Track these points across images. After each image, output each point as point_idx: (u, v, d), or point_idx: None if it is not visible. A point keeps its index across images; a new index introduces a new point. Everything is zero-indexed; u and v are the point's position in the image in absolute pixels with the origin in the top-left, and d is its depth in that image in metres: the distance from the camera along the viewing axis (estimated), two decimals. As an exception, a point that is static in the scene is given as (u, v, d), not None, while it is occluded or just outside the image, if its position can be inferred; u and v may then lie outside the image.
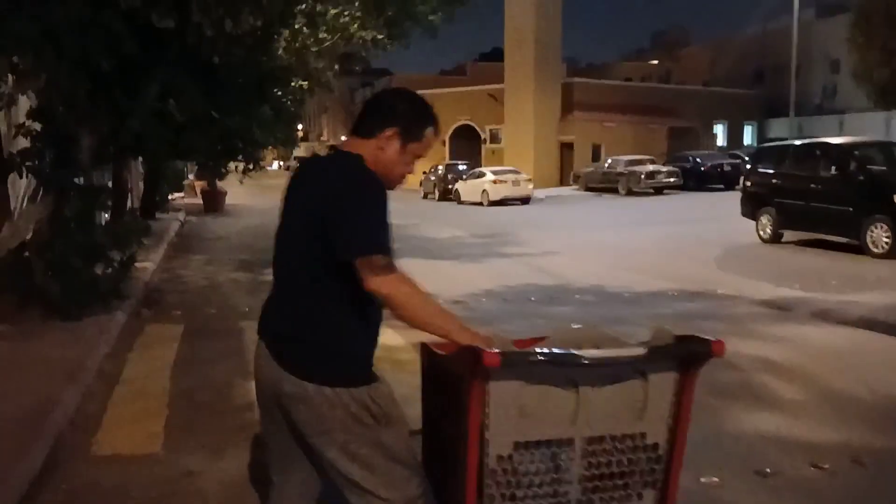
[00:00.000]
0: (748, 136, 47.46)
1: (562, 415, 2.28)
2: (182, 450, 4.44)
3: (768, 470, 4.04)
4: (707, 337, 2.33)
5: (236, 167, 16.82)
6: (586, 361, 2.21)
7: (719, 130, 45.86)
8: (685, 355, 2.34)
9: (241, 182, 18.18)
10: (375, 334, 2.38)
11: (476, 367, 2.11)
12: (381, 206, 2.22)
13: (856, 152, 13.25)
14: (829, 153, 13.49)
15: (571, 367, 2.22)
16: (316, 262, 2.23)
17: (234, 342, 6.97)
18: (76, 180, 7.86)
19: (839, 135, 18.36)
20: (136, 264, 9.10)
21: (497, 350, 2.11)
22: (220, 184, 25.79)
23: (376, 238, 2.17)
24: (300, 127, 27.84)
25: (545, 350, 2.24)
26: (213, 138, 10.18)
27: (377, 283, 2.14)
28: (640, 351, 2.29)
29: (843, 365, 6.09)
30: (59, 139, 7.37)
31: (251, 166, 15.47)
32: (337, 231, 2.17)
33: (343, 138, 2.54)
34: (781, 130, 42.64)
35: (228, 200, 27.07)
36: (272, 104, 11.12)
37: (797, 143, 15.27)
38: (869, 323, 7.42)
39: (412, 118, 2.38)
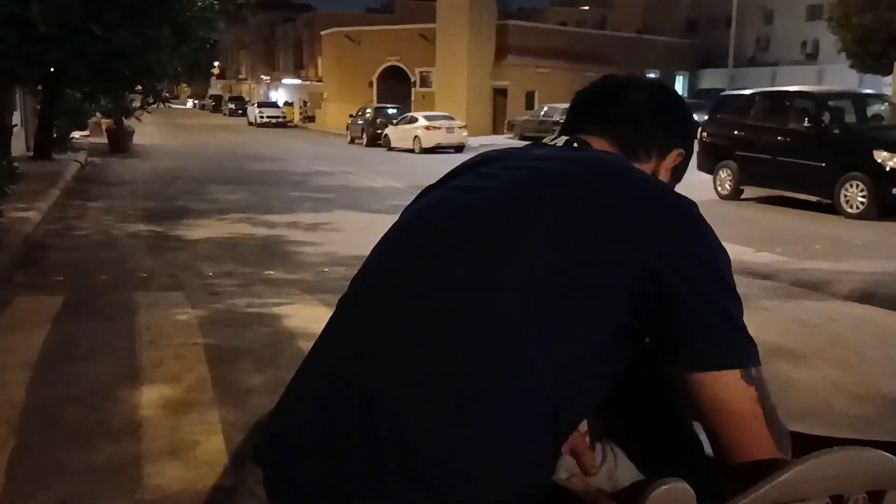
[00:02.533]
0: (680, 86, 47.25)
1: None
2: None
3: None
4: None
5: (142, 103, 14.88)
6: None
7: (652, 80, 45.39)
8: None
9: (139, 119, 16.20)
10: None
11: None
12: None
13: (830, 104, 12.28)
14: (802, 104, 12.52)
15: None
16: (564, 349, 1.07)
17: (122, 325, 5.45)
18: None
19: (772, 87, 17.64)
20: (17, 214, 7.44)
21: None
22: (127, 122, 23.63)
23: (749, 335, 1.13)
24: (216, 64, 25.83)
25: None
26: (93, 59, 8.26)
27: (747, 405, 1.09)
28: None
29: (854, 349, 5.10)
30: None
31: (152, 100, 13.47)
32: (697, 322, 1.09)
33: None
34: (714, 81, 42.71)
35: (138, 140, 24.91)
36: (171, 21, 9.16)
37: (764, 91, 14.24)
38: (867, 297, 6.56)
39: (693, 140, 1.46)
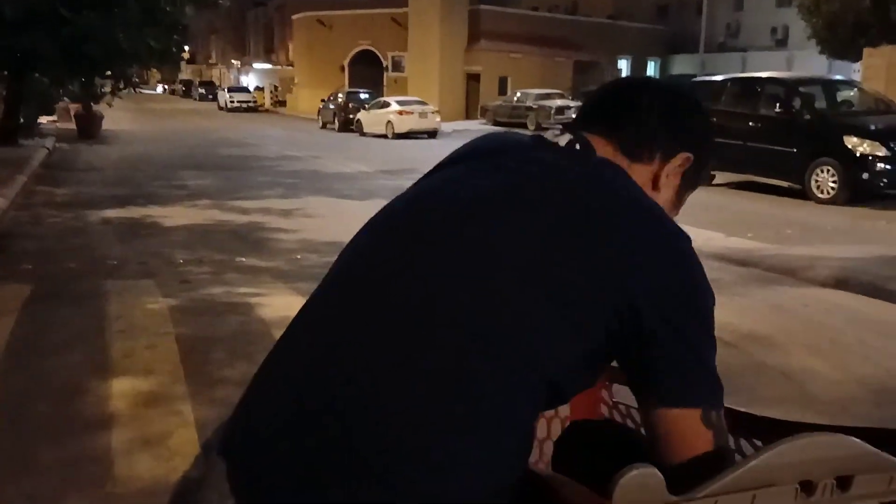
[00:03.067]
0: (651, 71, 47.39)
1: None
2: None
3: None
4: None
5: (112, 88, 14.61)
6: None
7: (623, 66, 45.54)
8: None
9: (109, 104, 15.93)
10: None
11: None
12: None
13: (801, 89, 12.36)
14: (773, 90, 12.60)
15: None
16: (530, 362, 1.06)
17: (92, 314, 5.36)
18: None
19: (742, 72, 17.75)
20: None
21: None
22: (97, 108, 23.25)
23: (717, 378, 1.13)
24: (187, 48, 25.42)
25: None
26: (62, 42, 8.08)
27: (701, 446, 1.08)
28: None
29: (828, 334, 5.12)
30: None
31: (122, 85, 13.24)
32: (668, 359, 1.10)
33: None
34: (685, 67, 42.87)
35: (107, 126, 24.54)
36: (141, 2, 8.97)
37: (736, 77, 14.30)
38: (841, 283, 6.59)
39: (708, 141, 1.38)
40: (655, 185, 1.29)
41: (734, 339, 5.00)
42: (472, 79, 38.58)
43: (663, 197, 1.30)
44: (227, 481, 1.11)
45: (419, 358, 1.03)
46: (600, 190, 1.17)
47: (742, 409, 1.38)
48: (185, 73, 74.98)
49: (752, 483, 0.96)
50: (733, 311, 5.67)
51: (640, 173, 1.27)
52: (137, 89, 19.28)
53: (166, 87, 77.25)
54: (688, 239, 1.16)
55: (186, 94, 65.41)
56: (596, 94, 1.38)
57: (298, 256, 7.41)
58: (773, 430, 1.16)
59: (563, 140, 1.27)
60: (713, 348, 1.12)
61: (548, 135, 1.31)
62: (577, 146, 1.26)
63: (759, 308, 5.89)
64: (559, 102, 30.03)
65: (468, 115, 37.60)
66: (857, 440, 1.01)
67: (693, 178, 1.34)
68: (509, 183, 1.18)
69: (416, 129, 26.72)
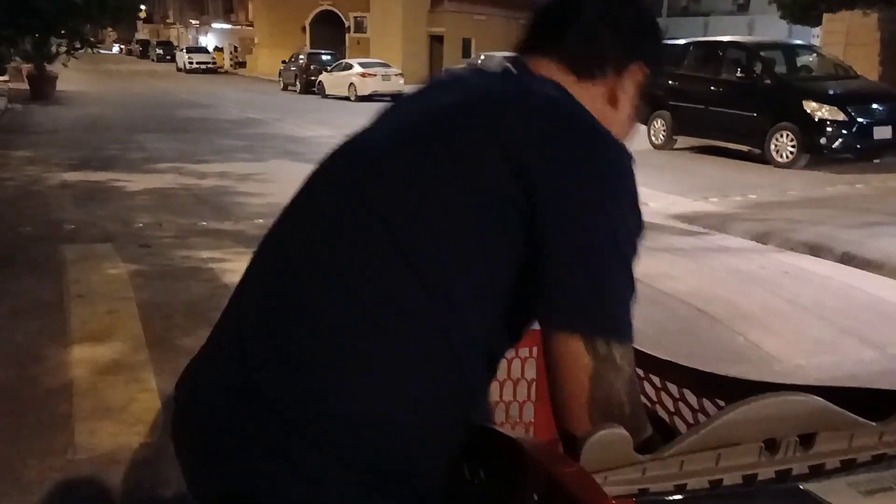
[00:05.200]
0: (615, 35, 47.34)
1: None
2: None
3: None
4: None
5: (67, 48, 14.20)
6: None
7: (587, 28, 45.46)
8: None
9: (64, 65, 15.51)
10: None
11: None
12: (638, 226, 1.05)
13: (762, 54, 12.43)
14: (734, 54, 12.66)
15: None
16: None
17: (49, 280, 5.27)
18: None
19: (704, 36, 17.74)
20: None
21: (613, 486, 0.90)
22: (50, 68, 22.64)
23: (625, 308, 1.01)
24: (143, 7, 24.90)
25: (750, 489, 0.96)
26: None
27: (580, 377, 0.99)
28: None
29: (786, 297, 5.19)
30: None
31: (78, 45, 12.88)
32: (555, 271, 1.00)
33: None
34: (648, 31, 42.81)
35: (61, 87, 23.95)
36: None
37: (698, 41, 14.32)
38: (815, 249, 6.64)
39: (660, 53, 1.27)
40: (613, 102, 1.18)
41: (695, 300, 5.07)
42: (436, 41, 38.23)
43: (622, 115, 1.19)
44: (172, 425, 1.15)
45: (349, 314, 1.01)
46: (544, 108, 1.07)
47: (706, 370, 1.39)
48: (142, 32, 73.41)
49: (717, 442, 0.95)
50: (693, 274, 5.74)
51: (591, 92, 1.17)
52: (94, 49, 18.74)
53: (122, 47, 75.51)
54: (624, 154, 1.06)
55: (143, 54, 64.01)
56: (538, 9, 1.25)
57: (260, 220, 7.34)
58: (735, 390, 1.17)
59: (498, 67, 1.19)
60: (621, 274, 1.01)
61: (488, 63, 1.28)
62: (515, 71, 1.18)
63: (719, 271, 5.97)
64: (523, 65, 29.94)
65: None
66: (820, 399, 1.01)
67: (649, 91, 1.22)
68: (434, 111, 1.11)
69: (379, 92, 26.44)
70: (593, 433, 0.91)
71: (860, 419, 1.03)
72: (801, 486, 0.95)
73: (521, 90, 1.12)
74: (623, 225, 1.02)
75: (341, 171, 1.15)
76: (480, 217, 1.01)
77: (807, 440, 1.00)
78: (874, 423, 1.03)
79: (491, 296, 1.03)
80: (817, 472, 0.99)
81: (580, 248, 0.99)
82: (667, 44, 15.04)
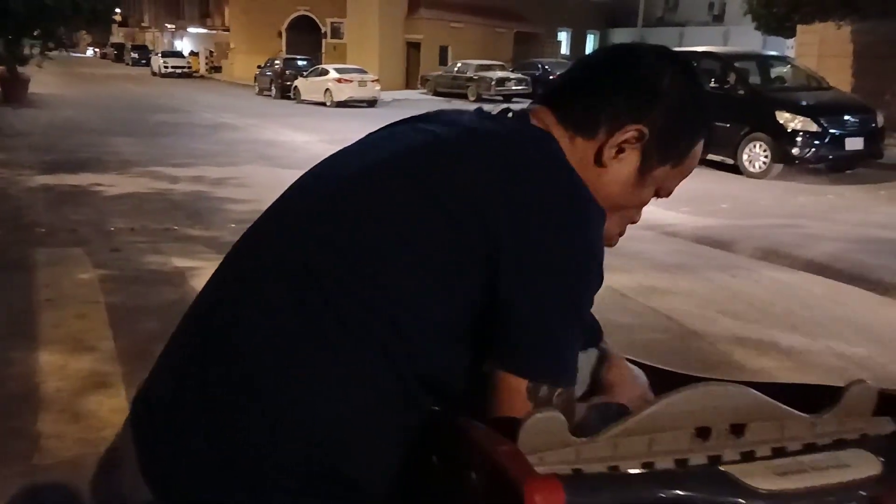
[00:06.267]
0: (590, 45, 47.68)
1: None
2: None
3: None
4: None
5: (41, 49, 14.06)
6: (769, 501, 0.94)
7: (563, 38, 45.70)
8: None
9: (39, 66, 15.35)
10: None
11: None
12: (594, 283, 1.07)
13: (736, 65, 12.57)
14: (708, 64, 12.78)
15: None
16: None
17: (19, 284, 5.20)
18: None
19: (679, 47, 17.95)
20: None
21: (547, 467, 0.94)
22: (22, 70, 22.39)
23: (566, 355, 1.06)
24: (118, 10, 24.68)
25: (672, 467, 0.99)
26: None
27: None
28: (872, 468, 1.00)
29: (757, 305, 5.26)
30: None
31: (52, 46, 12.77)
32: (510, 319, 1.04)
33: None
34: (623, 40, 42.77)
35: (34, 89, 23.68)
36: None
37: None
38: (768, 254, 6.82)
39: (680, 113, 1.15)
40: (598, 160, 1.15)
41: (666, 309, 5.11)
42: (413, 48, 38.29)
43: (611, 176, 1.16)
44: (130, 415, 1.19)
45: (293, 314, 1.05)
46: (515, 154, 1.08)
47: (646, 362, 1.41)
48: (117, 36, 72.75)
49: (650, 427, 0.99)
50: (666, 283, 5.78)
51: (581, 148, 1.15)
52: (68, 51, 18.54)
53: (97, 50, 74.92)
54: (593, 212, 1.06)
55: (118, 58, 63.53)
56: (574, 65, 1.27)
57: (233, 225, 7.30)
58: (670, 383, 1.19)
59: (496, 110, 1.21)
60: (575, 328, 1.06)
61: (489, 107, 1.29)
62: (510, 114, 1.19)
63: (691, 279, 6.01)
64: (500, 73, 30.06)
65: (408, 84, 37.35)
66: (752, 390, 1.05)
67: (661, 156, 1.16)
68: (418, 143, 1.14)
69: (355, 98, 26.43)
70: (530, 416, 0.95)
71: (792, 410, 1.08)
72: (720, 468, 0.97)
73: (491, 133, 1.12)
74: (582, 283, 1.05)
75: (296, 202, 1.21)
76: (436, 252, 1.04)
77: (738, 429, 1.04)
78: (806, 415, 1.08)
79: (447, 326, 1.06)
80: (748, 459, 1.02)
81: (537, 305, 1.03)
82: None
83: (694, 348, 4.50)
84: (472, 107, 1.25)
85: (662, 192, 1.23)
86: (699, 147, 1.21)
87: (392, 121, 1.29)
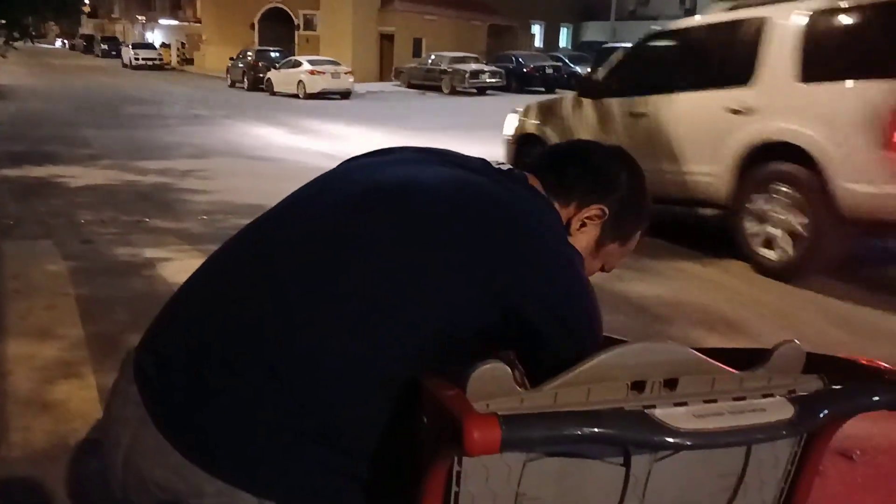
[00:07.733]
0: (564, 38, 47.84)
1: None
2: None
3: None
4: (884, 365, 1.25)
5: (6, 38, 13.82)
6: (687, 439, 1.05)
7: (537, 31, 45.80)
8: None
9: (4, 56, 15.11)
10: None
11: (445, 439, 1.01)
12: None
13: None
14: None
15: (651, 443, 1.07)
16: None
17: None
18: None
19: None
20: None
21: (491, 410, 1.02)
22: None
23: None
24: (87, 1, 24.38)
25: (602, 408, 1.08)
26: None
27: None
28: (786, 412, 1.10)
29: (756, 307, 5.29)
30: None
31: (17, 35, 12.56)
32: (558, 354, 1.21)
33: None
34: (596, 34, 43.41)
35: (1, 80, 23.41)
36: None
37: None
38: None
39: (631, 203, 1.48)
40: (567, 228, 1.40)
41: (630, 310, 5.16)
42: (387, 40, 38.19)
43: (577, 243, 1.39)
44: (134, 370, 1.31)
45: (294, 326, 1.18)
46: (526, 218, 1.27)
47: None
48: (87, 27, 71.83)
49: (590, 380, 1.08)
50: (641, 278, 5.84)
51: (561, 213, 1.41)
52: (35, 41, 18.28)
53: (66, 41, 73.97)
54: (575, 257, 1.29)
55: (88, 49, 62.75)
56: (556, 146, 1.58)
57: (204, 217, 7.27)
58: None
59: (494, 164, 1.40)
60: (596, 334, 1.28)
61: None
62: (513, 172, 1.39)
63: (654, 282, 6.08)
64: (473, 66, 30.08)
65: (382, 76, 37.25)
66: (687, 348, 1.15)
67: (613, 234, 1.45)
68: (430, 174, 1.30)
69: (328, 90, 26.37)
70: (477, 367, 1.03)
71: (724, 367, 1.17)
72: (644, 410, 1.05)
73: (499, 183, 1.32)
74: (592, 313, 1.28)
75: (293, 219, 1.32)
76: (426, 282, 1.18)
77: (671, 383, 1.13)
78: (736, 371, 1.18)
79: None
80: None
81: (575, 333, 1.25)
82: (612, 46, 15.07)
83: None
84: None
85: (607, 265, 1.51)
86: (640, 232, 1.51)
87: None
